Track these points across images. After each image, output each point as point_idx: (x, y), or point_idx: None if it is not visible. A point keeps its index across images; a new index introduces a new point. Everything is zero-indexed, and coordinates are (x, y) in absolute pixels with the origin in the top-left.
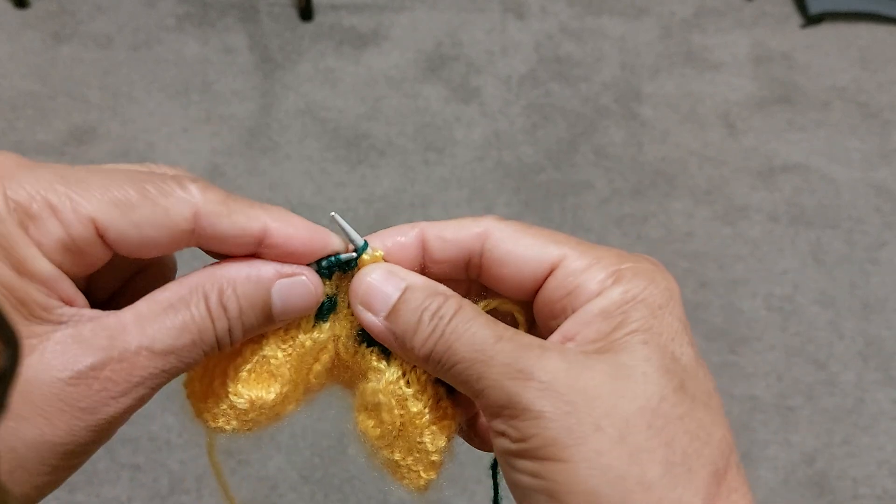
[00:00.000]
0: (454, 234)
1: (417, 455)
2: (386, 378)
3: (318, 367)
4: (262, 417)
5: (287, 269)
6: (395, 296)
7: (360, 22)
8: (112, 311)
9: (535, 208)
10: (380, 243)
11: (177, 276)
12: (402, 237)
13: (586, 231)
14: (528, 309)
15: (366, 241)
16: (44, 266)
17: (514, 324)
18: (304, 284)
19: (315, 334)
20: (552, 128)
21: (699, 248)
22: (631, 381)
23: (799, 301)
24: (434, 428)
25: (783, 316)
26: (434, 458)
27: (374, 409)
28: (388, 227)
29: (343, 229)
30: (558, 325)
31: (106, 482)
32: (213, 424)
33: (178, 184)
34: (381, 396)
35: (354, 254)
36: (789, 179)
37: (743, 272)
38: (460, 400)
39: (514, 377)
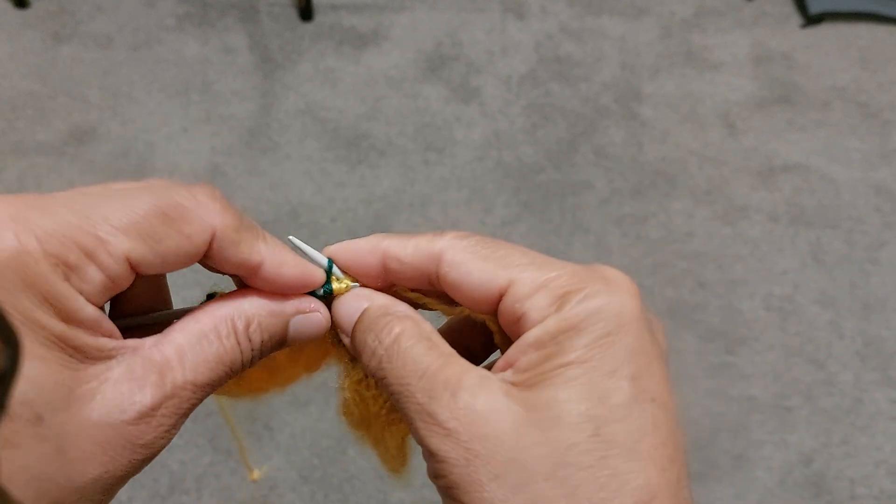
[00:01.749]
0: (410, 256)
1: (383, 447)
2: (350, 378)
3: (317, 351)
4: (270, 387)
5: (304, 305)
6: (356, 317)
7: (360, 22)
8: (153, 345)
9: (534, 208)
10: (343, 258)
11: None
12: (363, 257)
13: (586, 231)
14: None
15: (330, 262)
16: (90, 312)
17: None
18: (318, 319)
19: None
20: (552, 128)
21: (699, 248)
22: (540, 427)
23: (798, 301)
24: (392, 428)
25: (782, 316)
26: (394, 452)
27: (345, 401)
28: (388, 227)
29: (305, 253)
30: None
31: None
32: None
33: (197, 203)
34: (347, 393)
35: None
36: (789, 179)
37: (742, 272)
38: None
39: (425, 420)
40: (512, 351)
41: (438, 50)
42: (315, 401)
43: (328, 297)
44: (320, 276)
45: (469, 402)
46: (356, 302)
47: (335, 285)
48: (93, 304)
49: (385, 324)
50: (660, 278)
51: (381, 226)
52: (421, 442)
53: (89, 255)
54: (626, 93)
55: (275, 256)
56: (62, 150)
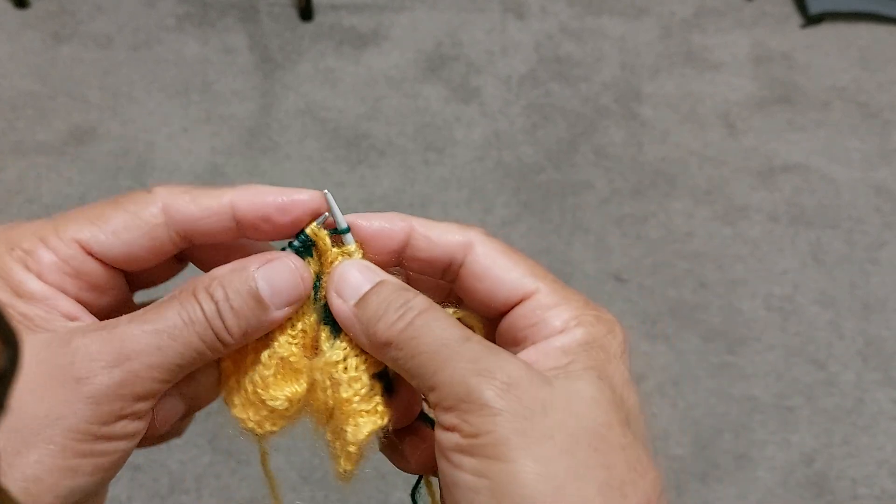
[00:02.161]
0: (440, 237)
1: (341, 442)
2: (325, 358)
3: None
4: (296, 408)
5: (267, 255)
6: (367, 287)
7: (360, 22)
8: (110, 320)
9: (534, 208)
10: (366, 225)
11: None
12: (388, 224)
13: (586, 231)
14: (491, 328)
15: (347, 227)
16: (37, 286)
17: None
18: (285, 264)
19: (313, 317)
20: (552, 128)
21: (699, 248)
22: (583, 404)
23: (799, 301)
24: (359, 420)
25: (783, 316)
26: (351, 448)
27: (311, 385)
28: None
29: (332, 209)
30: (517, 353)
31: None
32: (260, 431)
33: (144, 190)
34: (317, 374)
35: (324, 228)
36: (789, 179)
37: (742, 272)
38: (396, 404)
39: (479, 373)
40: (530, 353)
41: (438, 50)
42: None
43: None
44: (303, 194)
45: (521, 367)
46: (368, 273)
47: (334, 251)
48: (51, 283)
49: (411, 297)
50: (660, 278)
51: None
52: (473, 395)
53: (41, 241)
54: (626, 93)
55: (244, 191)
56: (62, 150)
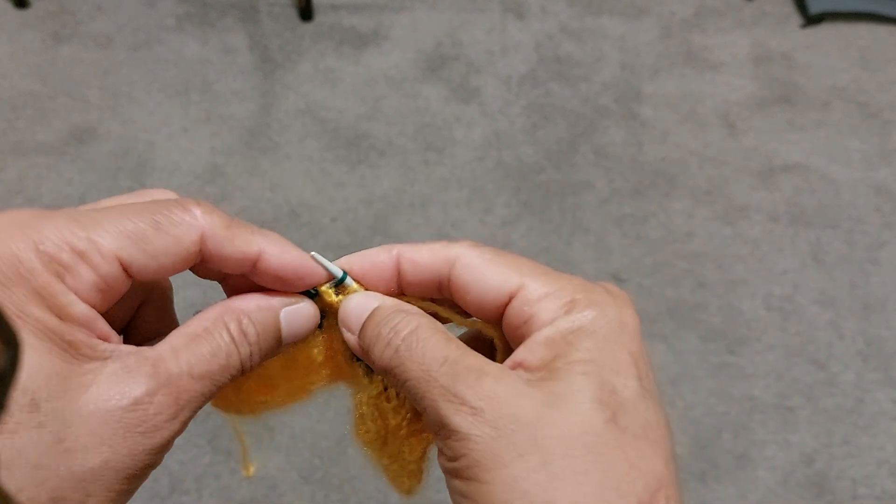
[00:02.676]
0: (425, 260)
1: (401, 463)
2: (368, 393)
3: (311, 362)
4: (276, 404)
5: (289, 298)
6: (366, 315)
7: (360, 22)
8: (147, 347)
9: (534, 208)
10: (358, 263)
11: (173, 295)
12: (376, 258)
13: (586, 231)
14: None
15: (345, 273)
16: (82, 309)
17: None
18: (306, 309)
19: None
20: (552, 128)
21: (699, 248)
22: (560, 410)
23: (799, 301)
24: (412, 440)
25: (783, 316)
26: (412, 467)
27: (361, 418)
28: (388, 227)
29: (323, 265)
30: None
31: None
32: (253, 416)
33: (184, 210)
34: (364, 408)
35: (333, 284)
36: (789, 179)
37: (742, 272)
38: None
39: (450, 400)
40: (521, 351)
41: (438, 50)
42: (315, 401)
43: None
44: (319, 268)
45: (493, 385)
46: (366, 300)
47: (334, 297)
48: (86, 302)
49: (401, 318)
50: (660, 278)
51: (381, 226)
52: (444, 422)
53: (81, 256)
54: (626, 93)
55: (273, 244)
56: (62, 150)
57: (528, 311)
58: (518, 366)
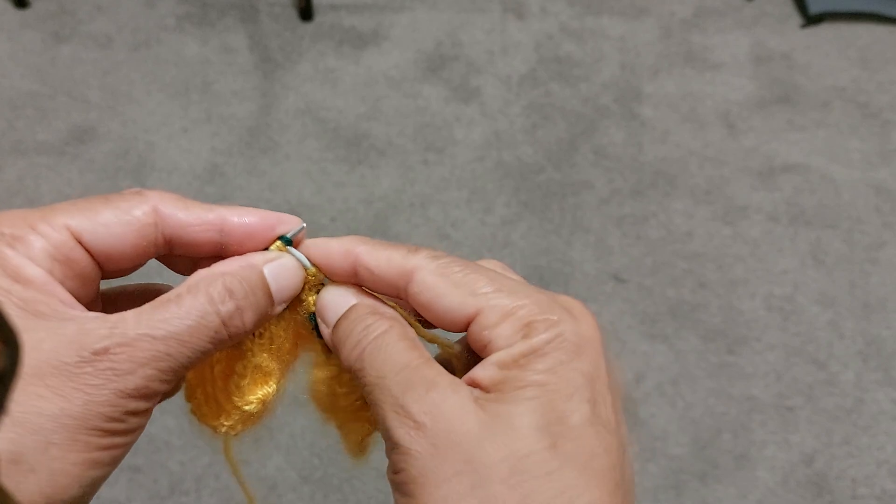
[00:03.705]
0: (381, 271)
1: (346, 434)
2: (323, 372)
3: (288, 345)
4: (266, 409)
5: (269, 254)
6: (342, 310)
7: (360, 22)
8: (116, 313)
9: (534, 208)
10: (314, 250)
11: None
12: (335, 258)
13: (586, 231)
14: None
15: (290, 238)
16: (35, 272)
17: None
18: (290, 262)
19: (283, 323)
20: (552, 128)
21: (699, 248)
22: (501, 433)
23: (799, 301)
24: (356, 425)
25: (783, 316)
26: (354, 444)
27: (314, 390)
28: (388, 227)
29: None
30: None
31: (105, 483)
32: (233, 433)
33: (137, 192)
34: (319, 386)
35: (301, 232)
36: (789, 179)
37: (742, 272)
38: None
39: (396, 411)
40: (477, 370)
41: (438, 50)
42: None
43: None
44: (285, 219)
45: (440, 401)
46: (345, 296)
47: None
48: (41, 269)
49: (374, 321)
50: (660, 278)
51: (380, 226)
52: (389, 433)
53: (31, 227)
54: (626, 93)
55: (233, 209)
56: (62, 150)
57: (486, 335)
58: (473, 383)
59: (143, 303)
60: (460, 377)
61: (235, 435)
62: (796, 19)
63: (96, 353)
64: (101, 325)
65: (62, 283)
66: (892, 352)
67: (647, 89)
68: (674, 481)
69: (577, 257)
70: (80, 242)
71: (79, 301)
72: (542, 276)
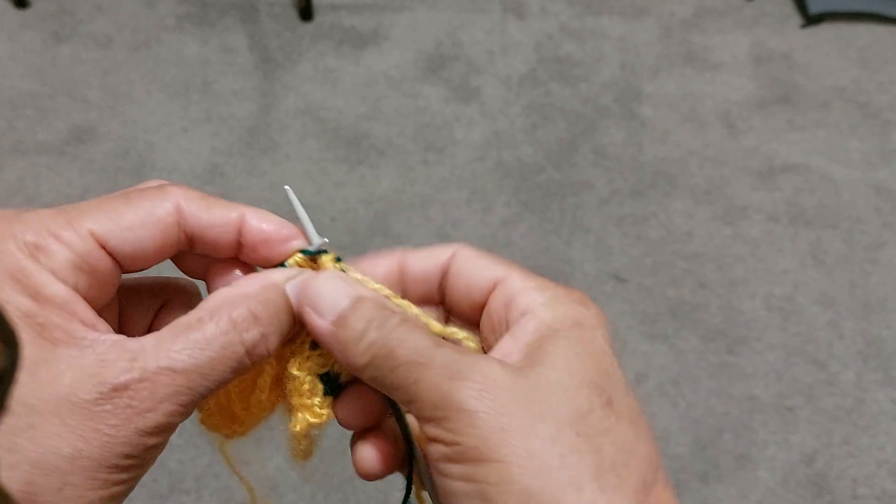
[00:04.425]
0: (424, 264)
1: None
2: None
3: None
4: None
5: (290, 272)
6: (345, 304)
7: (360, 22)
8: (135, 338)
9: (534, 208)
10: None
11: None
12: (382, 264)
13: (586, 231)
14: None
15: (324, 249)
16: (57, 289)
17: None
18: (312, 278)
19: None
20: (552, 128)
21: (699, 248)
22: (563, 391)
23: (799, 301)
24: (298, 415)
25: (783, 316)
26: (291, 438)
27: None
28: (388, 227)
29: (301, 221)
30: (497, 341)
31: None
32: (239, 436)
33: (159, 188)
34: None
35: (322, 249)
36: (789, 179)
37: (742, 272)
38: (343, 406)
39: (452, 378)
40: (506, 340)
41: (438, 50)
42: None
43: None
44: (298, 230)
45: (495, 368)
46: (344, 286)
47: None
48: (66, 282)
49: (389, 314)
50: (660, 278)
51: (381, 225)
52: (448, 400)
53: (54, 235)
54: (626, 93)
55: (253, 210)
56: (62, 150)
57: (512, 296)
58: (504, 355)
59: (159, 298)
60: None
61: (240, 436)
62: (796, 19)
63: (116, 388)
64: (121, 356)
65: (84, 294)
66: (892, 352)
67: (647, 89)
68: (674, 481)
69: (577, 257)
70: (103, 247)
71: (96, 302)
72: (543, 276)
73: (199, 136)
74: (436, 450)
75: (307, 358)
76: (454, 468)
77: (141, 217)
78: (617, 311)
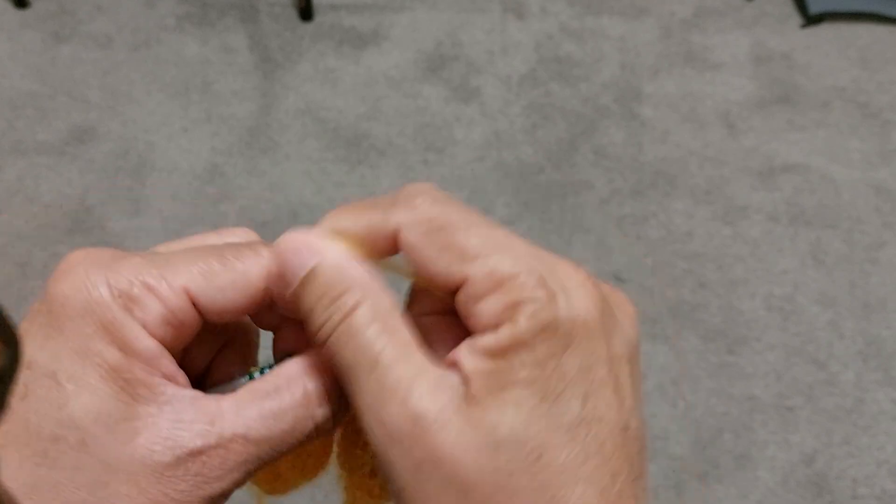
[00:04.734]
0: (365, 240)
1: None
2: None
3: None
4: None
5: None
6: (306, 270)
7: (360, 22)
8: (212, 397)
9: (534, 208)
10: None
11: (259, 341)
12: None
13: (586, 231)
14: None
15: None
16: (147, 344)
17: None
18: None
19: None
20: (552, 128)
21: (699, 248)
22: (486, 447)
23: (799, 301)
24: (357, 493)
25: (783, 316)
26: None
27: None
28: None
29: None
30: (470, 315)
31: None
32: (271, 493)
33: (252, 249)
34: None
35: None
36: (789, 179)
37: (742, 272)
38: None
39: (375, 421)
40: (463, 352)
41: (438, 50)
42: None
43: None
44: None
45: (420, 411)
46: (306, 253)
47: None
48: (155, 336)
49: (339, 293)
50: (660, 278)
51: None
52: (372, 441)
53: (150, 289)
54: (626, 93)
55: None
56: (62, 150)
57: (470, 307)
58: (453, 365)
59: (222, 337)
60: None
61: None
62: (796, 19)
63: (192, 453)
64: (198, 419)
65: (168, 346)
66: (892, 352)
67: (647, 89)
68: (674, 481)
69: (577, 257)
70: (194, 304)
71: (175, 352)
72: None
73: (199, 136)
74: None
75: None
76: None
77: (234, 280)
78: None
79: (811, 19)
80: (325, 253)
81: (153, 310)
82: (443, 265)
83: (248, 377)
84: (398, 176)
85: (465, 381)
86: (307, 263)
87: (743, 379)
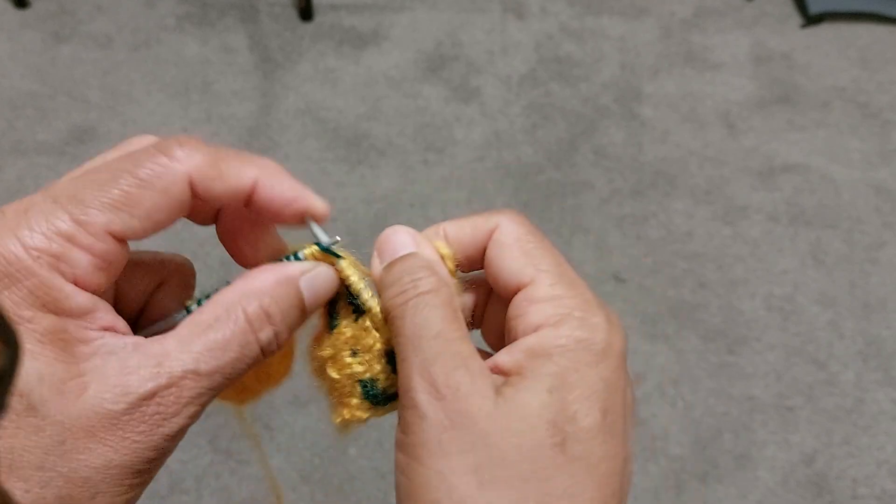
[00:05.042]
0: (463, 232)
1: (334, 411)
2: (321, 352)
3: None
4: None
5: (305, 265)
6: (399, 254)
7: (360, 22)
8: (155, 338)
9: (534, 208)
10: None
11: (195, 281)
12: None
13: (586, 231)
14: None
15: (328, 245)
16: (79, 301)
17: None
18: (325, 272)
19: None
20: (552, 128)
21: (699, 248)
22: (515, 422)
23: (799, 301)
24: (341, 409)
25: (783, 316)
26: (339, 423)
27: (311, 360)
28: (387, 227)
29: (312, 229)
30: (508, 336)
31: None
32: (243, 403)
33: (167, 155)
34: (315, 361)
35: (334, 241)
36: (789, 179)
37: (742, 272)
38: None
39: (423, 375)
40: (502, 353)
41: (438, 50)
42: (315, 401)
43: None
44: (316, 202)
45: (465, 380)
46: (407, 239)
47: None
48: (89, 288)
49: (426, 275)
50: (660, 278)
51: (381, 226)
52: (411, 393)
53: (71, 240)
54: (626, 93)
55: (267, 174)
56: (62, 150)
57: (524, 308)
58: (495, 367)
59: (157, 277)
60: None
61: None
62: (796, 19)
63: (144, 397)
64: (145, 363)
65: (104, 290)
66: (892, 352)
67: (647, 89)
68: (674, 481)
69: (577, 257)
70: (120, 242)
71: (107, 292)
72: (575, 280)
73: (199, 135)
74: (396, 431)
75: (348, 364)
76: (399, 455)
77: (157, 202)
78: (617, 311)
79: (811, 19)
80: (424, 248)
81: (81, 262)
82: (518, 265)
83: (185, 311)
84: (398, 176)
85: (503, 372)
86: (408, 248)
87: (743, 379)
